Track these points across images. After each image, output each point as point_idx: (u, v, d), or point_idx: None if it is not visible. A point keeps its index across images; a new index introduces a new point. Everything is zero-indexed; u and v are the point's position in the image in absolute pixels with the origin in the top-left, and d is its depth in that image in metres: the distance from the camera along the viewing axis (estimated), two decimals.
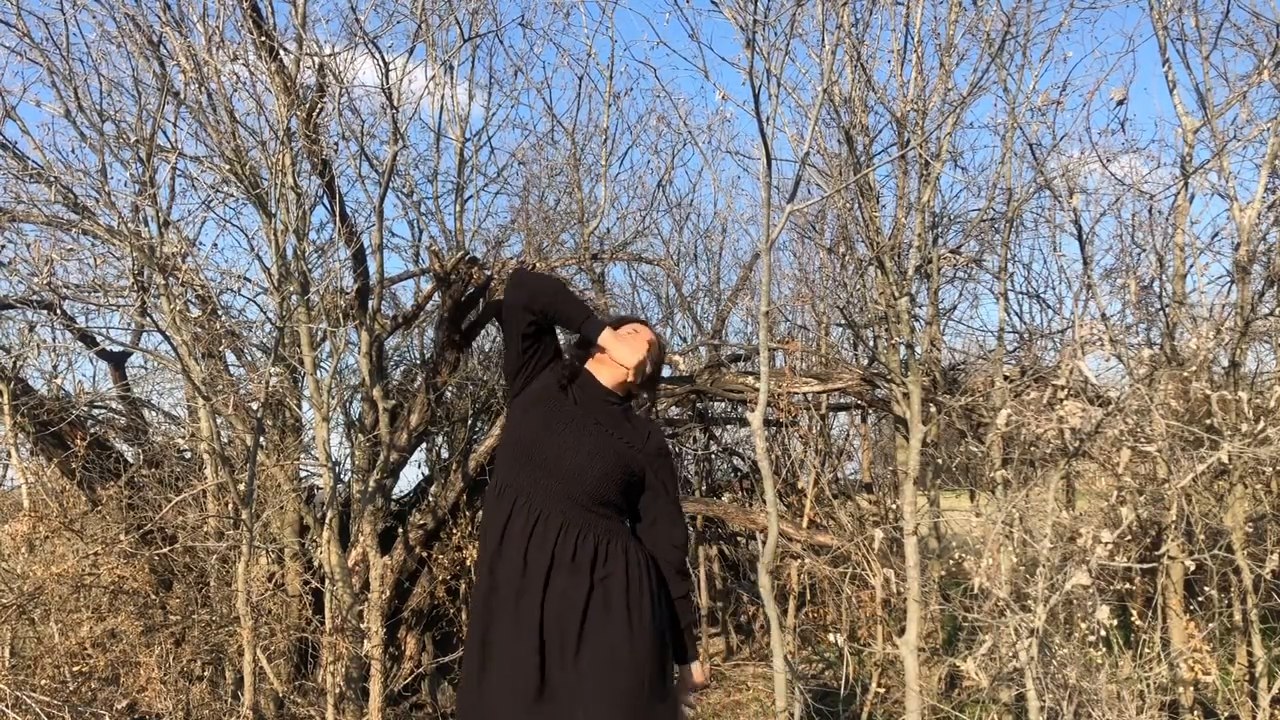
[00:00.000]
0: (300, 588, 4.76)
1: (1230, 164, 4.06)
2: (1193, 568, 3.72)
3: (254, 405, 4.68)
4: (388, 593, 4.72)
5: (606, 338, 2.38)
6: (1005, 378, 4.50)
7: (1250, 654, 3.90)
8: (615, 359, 2.39)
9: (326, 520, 4.04)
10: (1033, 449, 3.70)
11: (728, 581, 7.28)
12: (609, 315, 5.72)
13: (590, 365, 2.49)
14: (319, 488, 5.66)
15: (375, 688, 3.94)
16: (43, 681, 3.88)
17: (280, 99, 3.87)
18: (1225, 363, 4.03)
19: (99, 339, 5.34)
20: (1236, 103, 4.08)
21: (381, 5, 4.64)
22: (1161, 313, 4.16)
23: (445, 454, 6.17)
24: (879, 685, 4.70)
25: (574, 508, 2.28)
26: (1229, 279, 4.13)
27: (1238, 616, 3.99)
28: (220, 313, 4.88)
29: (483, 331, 6.02)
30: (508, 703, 2.19)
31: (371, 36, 4.20)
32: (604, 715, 2.15)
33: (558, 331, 2.53)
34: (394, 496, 5.69)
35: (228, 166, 3.76)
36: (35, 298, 4.71)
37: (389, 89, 4.23)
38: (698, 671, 2.48)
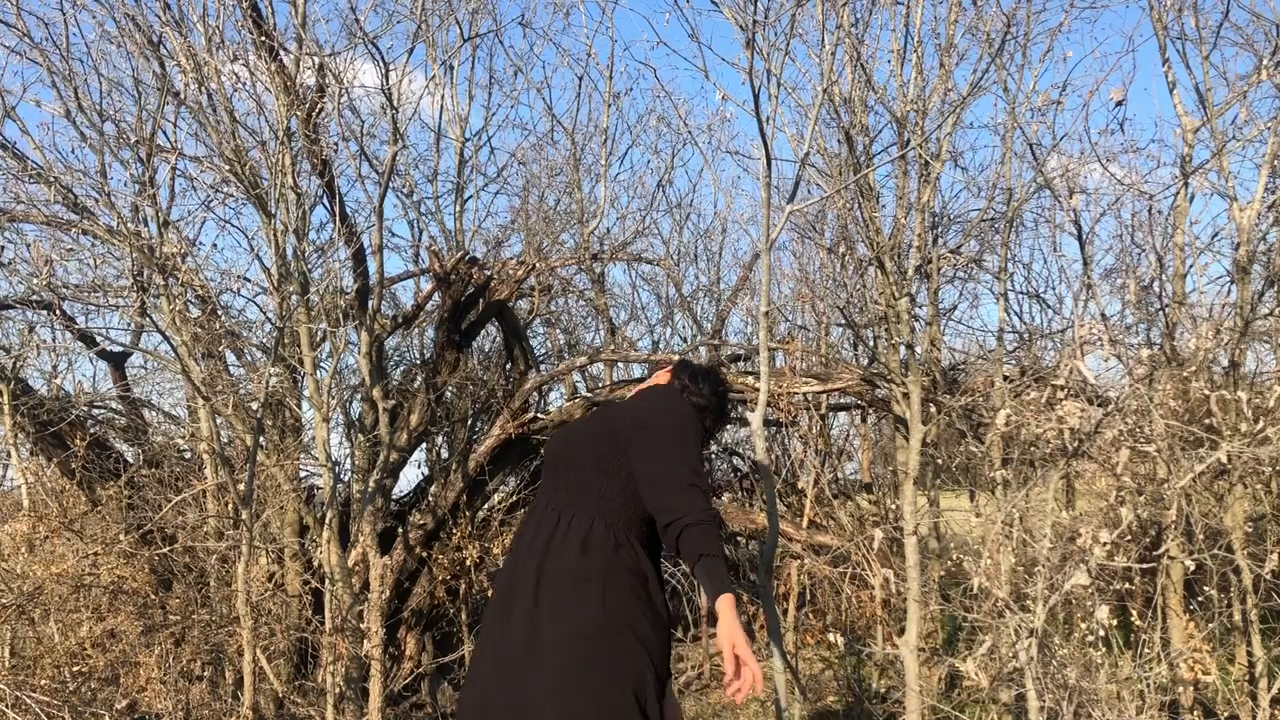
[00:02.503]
0: (300, 588, 4.76)
1: (1230, 164, 4.06)
2: (1192, 568, 3.72)
3: (254, 405, 4.68)
4: (388, 593, 4.72)
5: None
6: (1005, 378, 4.50)
7: (1250, 654, 3.90)
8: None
9: (326, 520, 4.04)
10: (1032, 449, 3.70)
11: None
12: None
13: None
14: (319, 488, 5.66)
15: (375, 688, 3.94)
16: (43, 681, 3.88)
17: (280, 99, 3.87)
18: (1225, 363, 4.03)
19: (99, 339, 5.34)
20: (1236, 102, 4.08)
21: (381, 5, 4.64)
22: (1161, 313, 4.15)
23: (445, 454, 6.17)
24: (879, 685, 4.70)
25: (561, 494, 2.37)
26: (1229, 279, 4.13)
27: (1237, 616, 3.98)
28: (220, 313, 4.89)
29: (483, 331, 6.03)
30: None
31: (371, 37, 4.20)
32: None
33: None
34: (394, 496, 5.69)
35: (228, 166, 3.76)
36: (35, 298, 4.72)
37: (388, 89, 4.23)
38: (722, 628, 2.06)
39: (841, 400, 6.41)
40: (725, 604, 2.06)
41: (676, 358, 5.87)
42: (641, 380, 2.63)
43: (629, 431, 2.32)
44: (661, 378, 2.65)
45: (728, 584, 2.09)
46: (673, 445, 2.24)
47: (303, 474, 5.38)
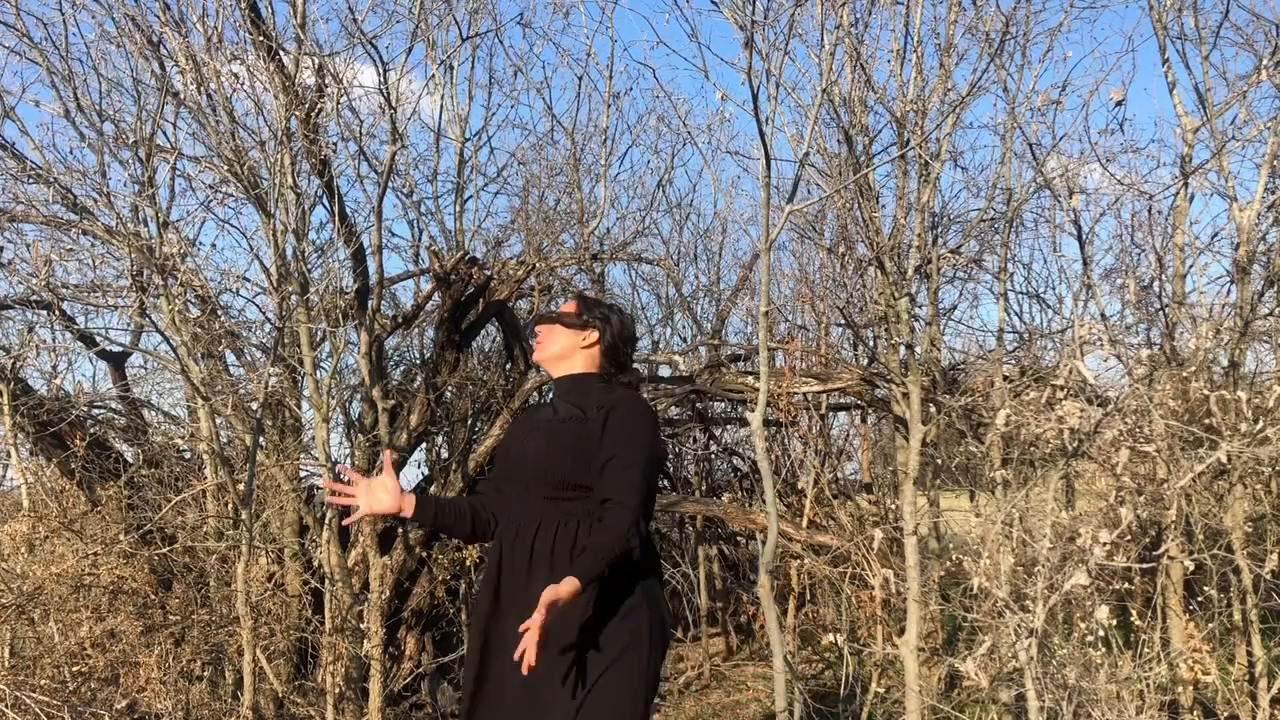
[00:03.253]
0: (300, 588, 4.76)
1: (1230, 164, 4.06)
2: (1192, 568, 3.72)
3: (254, 405, 4.68)
4: (387, 593, 4.72)
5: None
6: (1005, 378, 4.49)
7: (1250, 654, 3.90)
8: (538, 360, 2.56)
9: (326, 520, 4.04)
10: (1032, 449, 3.70)
11: (728, 581, 7.28)
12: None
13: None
14: (319, 488, 5.66)
15: (375, 688, 3.94)
16: (42, 681, 3.87)
17: (279, 99, 3.87)
18: (1225, 363, 4.03)
19: (99, 339, 5.34)
20: (1236, 102, 4.08)
21: (381, 5, 4.64)
22: (1161, 313, 4.15)
23: (445, 454, 6.17)
24: (879, 685, 4.69)
25: (534, 500, 2.35)
26: (1228, 279, 4.13)
27: (1237, 616, 3.99)
28: (220, 313, 4.89)
29: (483, 331, 6.03)
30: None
31: (370, 37, 4.20)
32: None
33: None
34: None
35: (227, 167, 3.76)
36: (35, 298, 4.72)
37: (387, 90, 4.23)
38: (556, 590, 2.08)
39: (841, 400, 6.41)
40: (572, 586, 2.09)
41: (677, 357, 5.87)
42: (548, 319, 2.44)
43: (604, 447, 2.32)
44: (576, 354, 2.48)
45: (590, 586, 2.14)
46: (638, 478, 2.30)
47: (303, 474, 5.38)
